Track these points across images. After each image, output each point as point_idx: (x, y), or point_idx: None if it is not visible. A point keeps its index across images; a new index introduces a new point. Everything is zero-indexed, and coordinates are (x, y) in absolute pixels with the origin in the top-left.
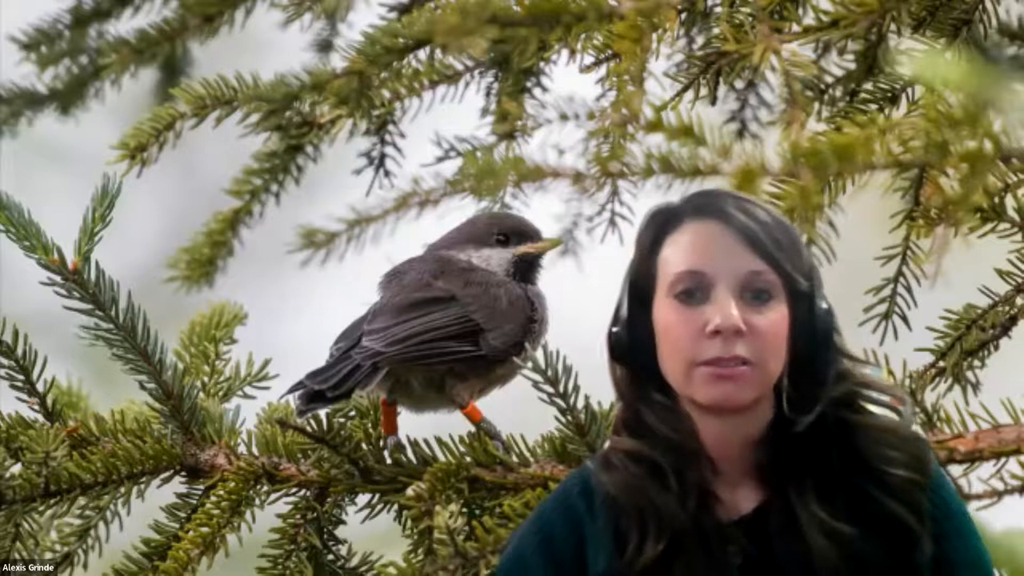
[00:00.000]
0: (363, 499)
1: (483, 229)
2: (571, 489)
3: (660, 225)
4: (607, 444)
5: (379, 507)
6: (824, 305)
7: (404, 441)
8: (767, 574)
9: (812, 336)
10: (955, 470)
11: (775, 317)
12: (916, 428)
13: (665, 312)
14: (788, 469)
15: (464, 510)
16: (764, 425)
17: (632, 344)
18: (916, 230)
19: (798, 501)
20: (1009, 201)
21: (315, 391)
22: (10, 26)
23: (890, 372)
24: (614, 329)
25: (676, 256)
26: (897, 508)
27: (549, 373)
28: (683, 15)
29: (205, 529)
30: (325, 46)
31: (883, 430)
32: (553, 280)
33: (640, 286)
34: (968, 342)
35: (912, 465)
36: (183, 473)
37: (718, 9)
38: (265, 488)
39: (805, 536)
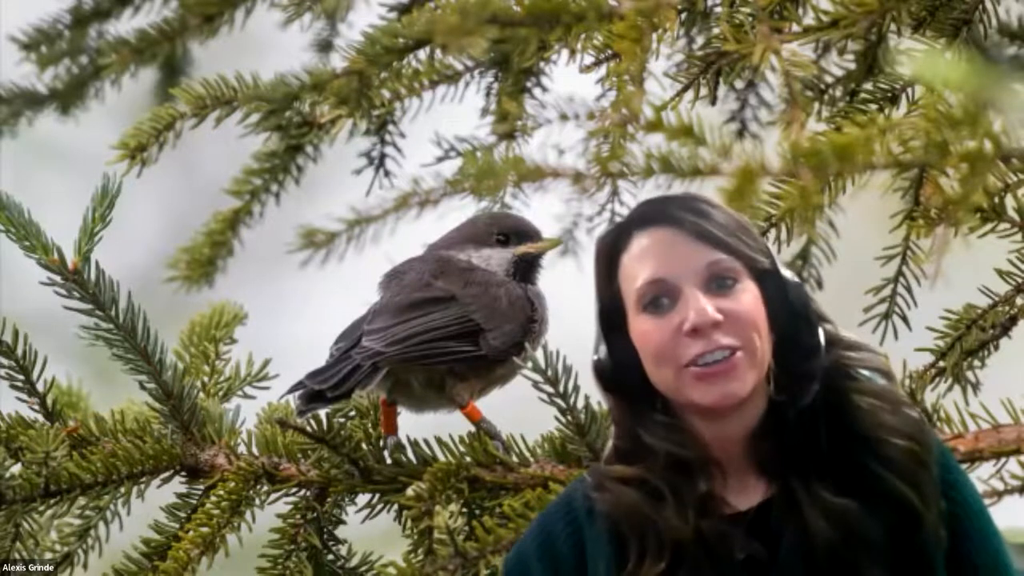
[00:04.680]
0: (363, 499)
1: (483, 229)
2: (574, 493)
3: (610, 246)
4: (597, 473)
5: (379, 507)
6: (792, 277)
7: (404, 441)
8: (774, 565)
9: (790, 309)
10: None
11: (747, 297)
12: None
13: (640, 327)
14: (788, 454)
15: (464, 510)
16: (760, 413)
17: (618, 369)
18: (916, 230)
19: (799, 484)
20: (1009, 201)
21: (315, 391)
22: (10, 26)
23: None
24: (596, 358)
25: (634, 270)
26: (899, 485)
27: (549, 373)
28: (683, 15)
29: (205, 529)
30: (325, 46)
31: (877, 395)
32: (553, 280)
33: (609, 311)
34: (968, 342)
35: (909, 433)
36: (183, 473)
37: (718, 9)
38: (265, 488)
39: (807, 520)
